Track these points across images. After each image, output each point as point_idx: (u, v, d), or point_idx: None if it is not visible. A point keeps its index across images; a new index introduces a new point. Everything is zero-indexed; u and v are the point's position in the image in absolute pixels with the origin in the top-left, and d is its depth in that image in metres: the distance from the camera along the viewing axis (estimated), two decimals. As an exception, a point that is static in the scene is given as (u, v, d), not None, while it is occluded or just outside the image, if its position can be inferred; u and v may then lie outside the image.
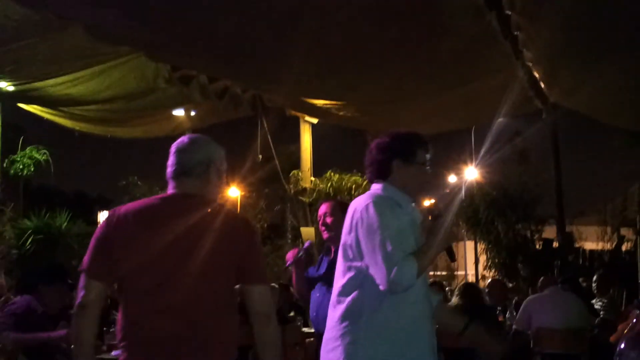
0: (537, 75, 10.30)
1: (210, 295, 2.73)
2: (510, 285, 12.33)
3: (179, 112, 14.16)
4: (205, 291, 2.71)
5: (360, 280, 2.93)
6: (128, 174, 15.28)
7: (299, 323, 7.76)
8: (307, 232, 14.21)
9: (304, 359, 7.12)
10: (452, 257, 3.15)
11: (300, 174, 14.61)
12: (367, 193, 3.12)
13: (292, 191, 14.50)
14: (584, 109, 11.13)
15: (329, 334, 3.00)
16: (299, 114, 14.42)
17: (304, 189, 14.33)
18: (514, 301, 9.03)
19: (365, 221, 2.92)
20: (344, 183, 14.02)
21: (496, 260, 13.30)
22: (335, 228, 4.18)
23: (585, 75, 9.24)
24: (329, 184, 14.11)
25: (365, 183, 14.01)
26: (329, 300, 3.12)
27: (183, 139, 2.93)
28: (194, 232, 2.73)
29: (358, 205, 3.01)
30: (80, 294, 2.73)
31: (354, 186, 13.99)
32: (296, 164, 14.98)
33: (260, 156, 14.83)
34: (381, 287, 2.83)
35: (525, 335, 7.00)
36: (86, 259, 2.77)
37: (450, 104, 10.84)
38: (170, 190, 2.87)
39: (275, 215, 16.30)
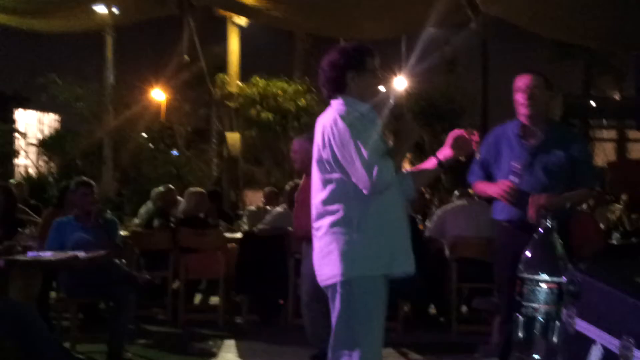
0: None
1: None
2: (429, 196, 12.55)
3: (100, 8, 13.53)
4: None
5: (344, 191, 3.19)
6: (46, 71, 14.60)
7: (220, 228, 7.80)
8: (232, 137, 14.05)
9: (226, 262, 7.21)
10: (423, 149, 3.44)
11: (226, 77, 14.26)
12: (331, 109, 3.30)
13: (218, 95, 14.18)
14: (512, 16, 11.04)
15: (321, 242, 3.25)
16: (227, 14, 13.93)
17: (230, 94, 14.04)
18: (434, 210, 9.20)
19: (337, 135, 3.15)
20: (269, 89, 13.80)
21: (420, 171, 13.45)
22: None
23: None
24: (254, 89, 13.86)
25: (292, 89, 13.83)
26: None
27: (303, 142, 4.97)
28: None
29: (326, 121, 3.25)
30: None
31: (279, 92, 13.77)
32: (223, 67, 14.62)
33: (187, 57, 14.39)
34: (365, 191, 3.12)
35: (439, 243, 7.27)
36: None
37: (379, 10, 10.65)
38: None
39: (200, 119, 15.99)
